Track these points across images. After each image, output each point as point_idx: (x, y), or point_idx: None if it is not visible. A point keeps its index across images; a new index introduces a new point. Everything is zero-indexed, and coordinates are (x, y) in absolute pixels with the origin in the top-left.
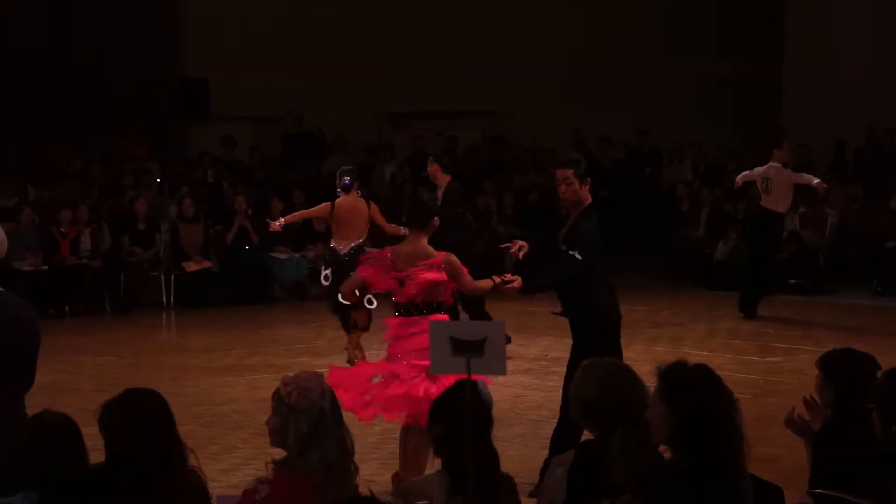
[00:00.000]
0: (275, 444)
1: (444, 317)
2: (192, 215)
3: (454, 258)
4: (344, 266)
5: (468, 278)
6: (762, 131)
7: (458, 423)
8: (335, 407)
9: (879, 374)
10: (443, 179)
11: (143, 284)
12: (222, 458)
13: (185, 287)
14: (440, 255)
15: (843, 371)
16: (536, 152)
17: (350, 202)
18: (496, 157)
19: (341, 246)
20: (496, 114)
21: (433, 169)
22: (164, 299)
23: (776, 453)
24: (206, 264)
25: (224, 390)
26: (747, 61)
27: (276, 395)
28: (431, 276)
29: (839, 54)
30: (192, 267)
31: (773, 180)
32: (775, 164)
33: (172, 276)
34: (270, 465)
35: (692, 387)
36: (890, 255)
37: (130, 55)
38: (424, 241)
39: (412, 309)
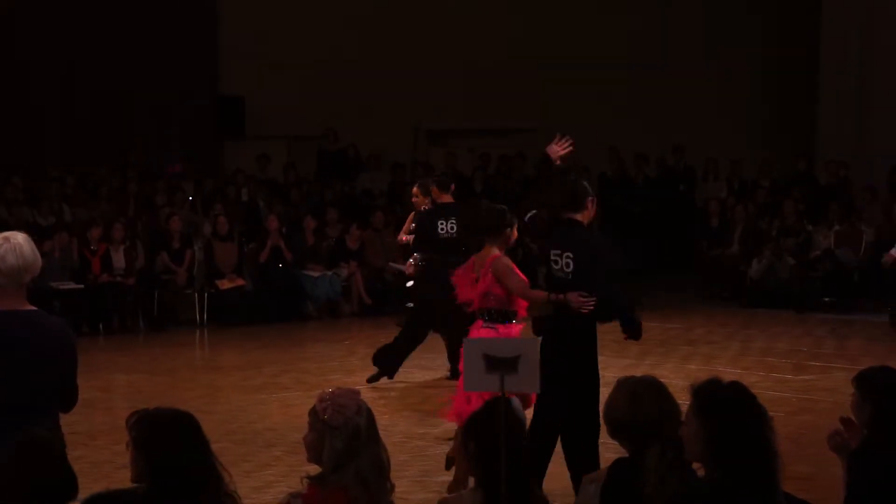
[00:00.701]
0: (311, 459)
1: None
2: (227, 233)
3: (504, 260)
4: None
5: (515, 281)
6: (796, 143)
7: (492, 439)
8: (371, 424)
9: None
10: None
11: (177, 302)
12: (254, 475)
13: (218, 305)
14: (491, 257)
15: (879, 389)
16: (570, 169)
17: None
18: (530, 174)
19: None
20: (534, 130)
21: (435, 193)
22: (198, 317)
23: (810, 472)
24: (240, 282)
25: (257, 408)
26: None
27: (313, 412)
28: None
29: (879, 63)
30: (225, 285)
31: None
32: None
33: (206, 294)
34: (305, 481)
35: (726, 404)
36: None
37: (166, 74)
38: (493, 249)
39: (485, 314)
